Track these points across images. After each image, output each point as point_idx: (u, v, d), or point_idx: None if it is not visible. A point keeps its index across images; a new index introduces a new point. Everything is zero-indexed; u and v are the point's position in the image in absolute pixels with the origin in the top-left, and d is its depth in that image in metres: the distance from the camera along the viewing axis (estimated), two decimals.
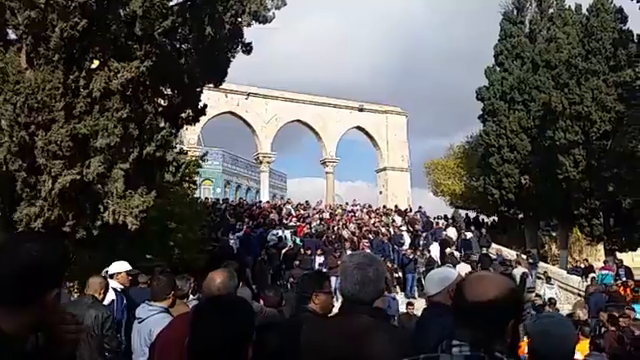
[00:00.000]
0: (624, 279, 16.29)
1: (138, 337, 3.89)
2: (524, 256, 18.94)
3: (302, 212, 23.35)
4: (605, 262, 19.91)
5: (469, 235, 20.65)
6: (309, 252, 16.51)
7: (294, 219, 21.93)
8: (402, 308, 12.83)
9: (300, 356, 2.22)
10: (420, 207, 26.58)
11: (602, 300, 13.22)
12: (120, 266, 6.00)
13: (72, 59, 7.97)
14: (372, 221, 23.04)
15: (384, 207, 27.19)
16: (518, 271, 15.90)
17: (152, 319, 3.78)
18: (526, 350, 2.33)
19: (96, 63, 8.23)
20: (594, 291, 14.26)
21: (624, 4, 22.70)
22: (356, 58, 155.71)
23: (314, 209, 24.44)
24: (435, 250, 18.52)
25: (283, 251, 16.96)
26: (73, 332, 1.40)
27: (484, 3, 62.46)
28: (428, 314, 3.14)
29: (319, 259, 16.02)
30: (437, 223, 22.45)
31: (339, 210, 25.04)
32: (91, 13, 7.80)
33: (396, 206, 27.01)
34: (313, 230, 20.09)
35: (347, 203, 27.25)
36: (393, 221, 23.23)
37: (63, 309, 1.47)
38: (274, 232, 18.76)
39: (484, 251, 19.50)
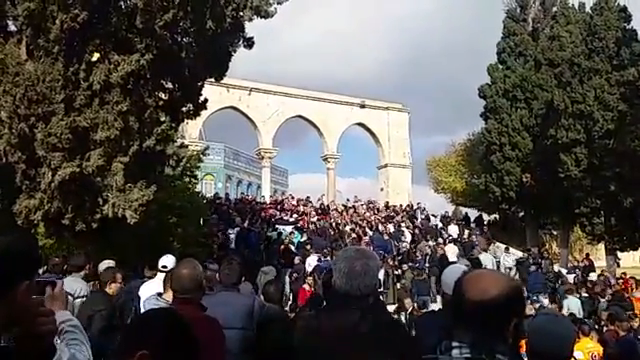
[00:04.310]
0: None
1: None
2: (501, 246, 19.40)
3: (303, 208, 23.33)
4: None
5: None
6: (308, 247, 16.47)
7: (294, 215, 21.91)
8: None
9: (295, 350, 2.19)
10: (419, 203, 26.63)
11: (539, 279, 15.70)
12: (169, 260, 5.70)
13: (72, 51, 7.93)
14: (372, 217, 23.08)
15: (386, 202, 27.28)
16: (485, 257, 16.35)
17: None
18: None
19: (96, 56, 8.19)
20: (533, 271, 16.73)
21: (628, 3, 22.65)
22: (361, 53, 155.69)
23: (313, 206, 24.41)
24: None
25: (282, 247, 16.91)
26: (48, 324, 1.36)
27: (490, 0, 62.24)
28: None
29: (314, 257, 15.90)
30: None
31: (340, 206, 25.05)
32: (92, 5, 7.76)
33: (387, 203, 27.21)
34: (312, 226, 20.06)
35: (348, 199, 27.24)
36: (394, 217, 23.27)
37: (38, 301, 1.43)
38: (275, 227, 18.73)
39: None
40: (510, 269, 17.58)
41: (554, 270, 18.30)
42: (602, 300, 13.68)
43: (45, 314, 1.36)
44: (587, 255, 22.73)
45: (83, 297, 5.47)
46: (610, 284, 16.10)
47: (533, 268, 17.11)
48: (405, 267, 16.67)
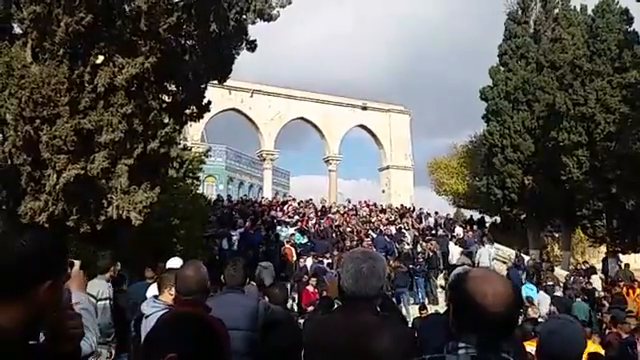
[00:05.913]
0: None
1: (145, 333, 3.88)
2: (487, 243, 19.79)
3: (304, 210, 23.34)
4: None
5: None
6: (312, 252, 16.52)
7: (296, 216, 21.92)
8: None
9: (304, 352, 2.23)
10: (422, 209, 26.63)
11: (517, 276, 16.52)
12: (177, 264, 5.68)
13: (77, 54, 7.97)
14: (374, 219, 23.10)
15: (380, 205, 27.31)
16: (483, 251, 17.25)
17: (156, 316, 3.77)
18: (532, 350, 2.31)
19: (101, 58, 8.22)
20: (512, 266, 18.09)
21: (630, 5, 22.63)
22: (363, 55, 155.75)
23: (314, 206, 24.43)
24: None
25: (283, 248, 16.92)
26: (76, 327, 1.36)
27: (491, 2, 62.23)
28: None
29: (309, 259, 15.94)
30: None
31: (341, 207, 25.06)
32: (96, 8, 7.80)
33: (390, 205, 27.29)
34: (313, 229, 20.11)
35: (349, 201, 27.24)
36: (395, 219, 23.30)
37: (65, 304, 1.43)
38: (277, 229, 18.75)
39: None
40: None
41: (535, 267, 18.68)
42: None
43: (73, 317, 1.37)
44: (606, 256, 22.65)
45: (106, 299, 5.47)
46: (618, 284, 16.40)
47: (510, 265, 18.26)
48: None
